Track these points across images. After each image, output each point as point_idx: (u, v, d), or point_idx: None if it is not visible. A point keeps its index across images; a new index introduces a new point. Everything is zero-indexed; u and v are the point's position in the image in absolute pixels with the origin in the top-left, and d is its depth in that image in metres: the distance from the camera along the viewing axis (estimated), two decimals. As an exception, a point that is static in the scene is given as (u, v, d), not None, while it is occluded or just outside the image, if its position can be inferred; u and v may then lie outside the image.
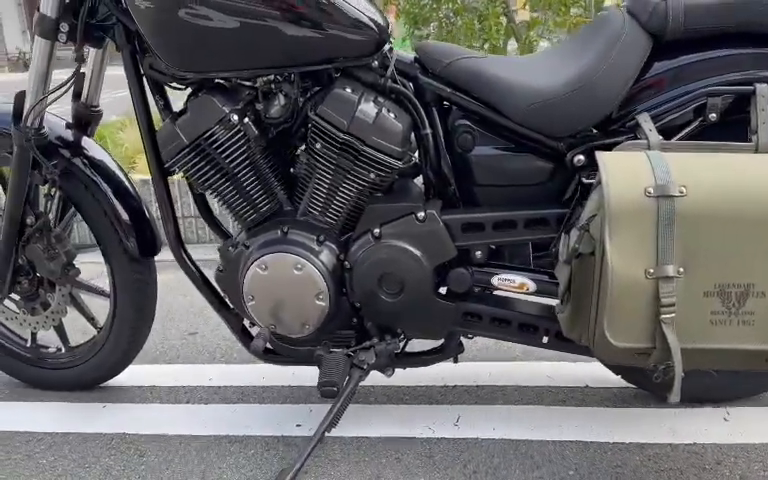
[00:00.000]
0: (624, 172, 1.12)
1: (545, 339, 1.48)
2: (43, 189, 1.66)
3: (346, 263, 1.45)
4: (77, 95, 1.66)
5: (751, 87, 1.23)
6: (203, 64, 1.37)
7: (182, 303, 2.43)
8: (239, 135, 1.40)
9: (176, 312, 2.38)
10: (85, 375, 1.85)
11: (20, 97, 1.54)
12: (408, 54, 1.48)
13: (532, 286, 1.42)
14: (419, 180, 1.50)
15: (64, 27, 1.44)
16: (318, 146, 1.38)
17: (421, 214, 1.39)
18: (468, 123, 1.40)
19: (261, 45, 1.34)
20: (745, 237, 1.08)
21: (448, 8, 4.71)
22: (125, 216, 1.66)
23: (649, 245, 1.09)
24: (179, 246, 1.58)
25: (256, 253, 1.45)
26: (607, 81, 1.27)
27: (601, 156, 1.17)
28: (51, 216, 1.66)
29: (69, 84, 1.55)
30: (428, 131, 1.43)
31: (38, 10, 1.44)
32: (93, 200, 1.65)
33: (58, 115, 1.67)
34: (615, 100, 1.28)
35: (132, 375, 1.90)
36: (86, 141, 1.68)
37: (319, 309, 1.45)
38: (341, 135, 1.35)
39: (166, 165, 1.47)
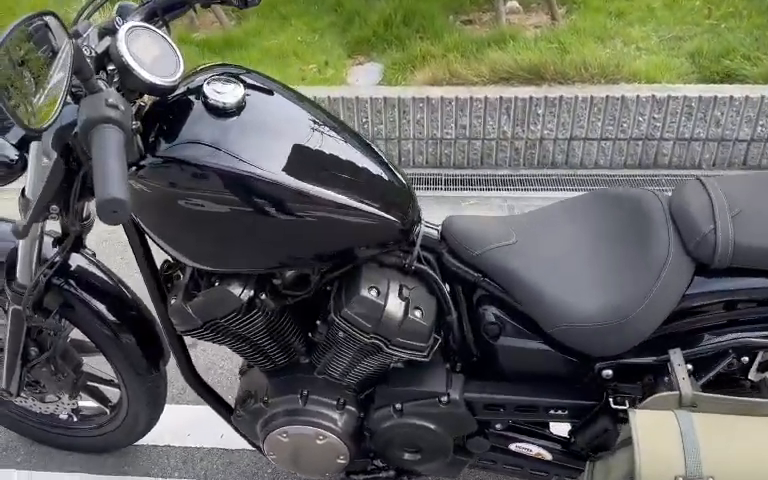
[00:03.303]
0: (655, 453, 1.12)
1: None
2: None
3: (366, 423, 1.47)
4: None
5: None
6: (215, 262, 1.27)
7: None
8: (256, 314, 1.34)
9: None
10: (102, 443, 1.90)
11: (11, 256, 1.42)
12: (433, 228, 1.38)
13: (548, 456, 1.47)
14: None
15: (54, 209, 1.30)
16: (341, 335, 1.34)
17: (444, 398, 1.39)
18: (496, 312, 1.35)
19: (277, 246, 1.25)
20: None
21: None
22: (128, 336, 1.61)
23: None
24: (192, 374, 1.56)
25: (276, 420, 1.45)
26: (648, 315, 1.21)
27: (634, 418, 1.16)
28: (53, 343, 1.60)
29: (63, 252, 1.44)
30: (453, 316, 1.38)
31: (23, 195, 1.29)
32: (94, 322, 1.59)
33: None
34: (654, 329, 1.24)
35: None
36: (75, 259, 1.58)
37: (339, 466, 1.49)
38: (365, 338, 1.31)
39: (178, 332, 1.41)
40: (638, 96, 3.12)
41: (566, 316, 1.25)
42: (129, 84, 1.14)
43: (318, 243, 1.27)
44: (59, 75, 0.96)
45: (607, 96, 3.13)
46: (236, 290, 1.29)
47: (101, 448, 1.92)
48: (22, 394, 1.73)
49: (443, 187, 3.23)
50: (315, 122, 1.29)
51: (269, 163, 1.17)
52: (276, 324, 1.38)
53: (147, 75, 1.12)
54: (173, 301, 1.35)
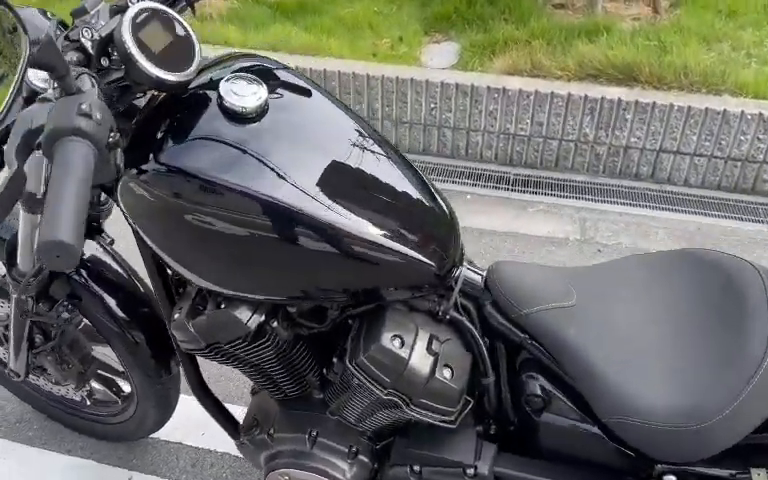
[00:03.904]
0: None
1: None
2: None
3: (379, 479, 1.29)
4: None
5: None
6: (220, 283, 1.10)
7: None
8: (265, 343, 1.17)
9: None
10: (116, 432, 1.81)
11: (13, 240, 1.30)
12: (477, 273, 1.17)
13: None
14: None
15: None
16: (356, 382, 1.15)
17: (471, 470, 1.19)
18: (542, 383, 1.13)
19: (291, 276, 1.07)
20: None
21: None
22: (139, 335, 1.48)
23: None
24: (198, 384, 1.42)
25: (280, 459, 1.29)
26: (732, 423, 0.97)
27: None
28: (58, 333, 1.49)
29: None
30: (491, 379, 1.17)
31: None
32: (103, 316, 1.47)
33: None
34: (737, 440, 1.00)
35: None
36: (89, 247, 1.45)
37: None
38: (383, 393, 1.12)
39: (182, 349, 1.26)
40: (743, 112, 2.75)
41: (626, 407, 1.02)
42: (134, 76, 0.97)
43: (339, 279, 1.08)
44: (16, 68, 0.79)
45: (707, 108, 2.78)
46: (244, 315, 1.13)
47: (111, 436, 1.83)
48: (32, 375, 1.64)
49: (510, 187, 2.97)
50: (349, 136, 1.09)
51: (288, 183, 0.99)
52: (287, 354, 1.22)
53: (153, 68, 0.95)
54: (176, 316, 1.20)
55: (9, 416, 1.90)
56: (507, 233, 2.69)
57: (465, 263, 1.17)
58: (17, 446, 1.83)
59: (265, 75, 1.08)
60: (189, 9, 1.16)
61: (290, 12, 3.76)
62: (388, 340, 1.09)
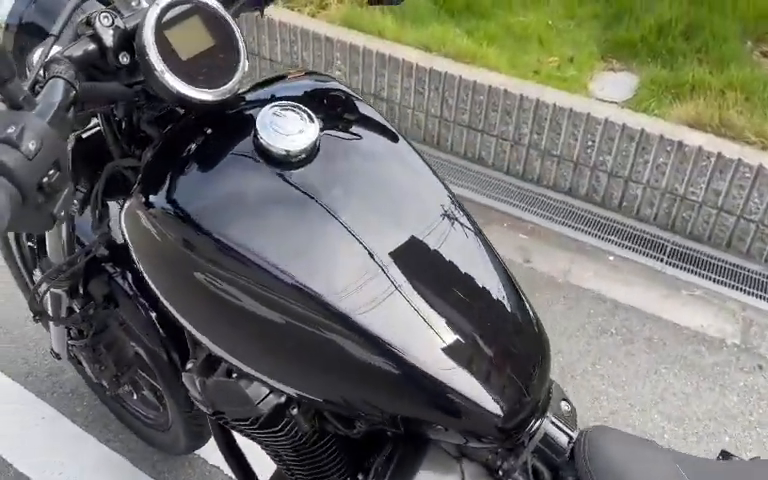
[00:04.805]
0: None
1: None
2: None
3: None
4: None
5: None
6: (230, 352, 0.87)
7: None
8: (281, 431, 0.93)
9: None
10: (155, 439, 1.67)
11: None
12: (564, 432, 0.84)
13: None
14: None
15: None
16: None
17: None
18: None
19: (316, 376, 0.82)
20: None
21: None
22: (176, 356, 1.30)
23: None
24: (226, 445, 1.21)
25: None
26: None
27: None
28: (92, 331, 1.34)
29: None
30: None
31: None
32: (142, 328, 1.29)
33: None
34: None
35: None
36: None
37: None
38: None
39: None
40: None
41: None
42: (153, 87, 0.76)
43: (372, 395, 0.82)
44: None
45: None
46: (256, 394, 0.89)
47: (150, 440, 1.69)
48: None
49: (665, 258, 2.50)
50: (421, 209, 0.82)
51: (320, 266, 0.74)
52: (308, 449, 0.96)
53: (174, 80, 0.73)
54: (189, 366, 0.99)
55: (65, 384, 1.83)
56: (649, 315, 2.25)
57: (550, 412, 0.84)
58: (60, 417, 1.75)
59: (324, 105, 0.82)
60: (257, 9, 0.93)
61: (455, 11, 3.47)
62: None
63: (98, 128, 0.95)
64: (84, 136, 0.98)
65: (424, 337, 0.75)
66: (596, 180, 2.70)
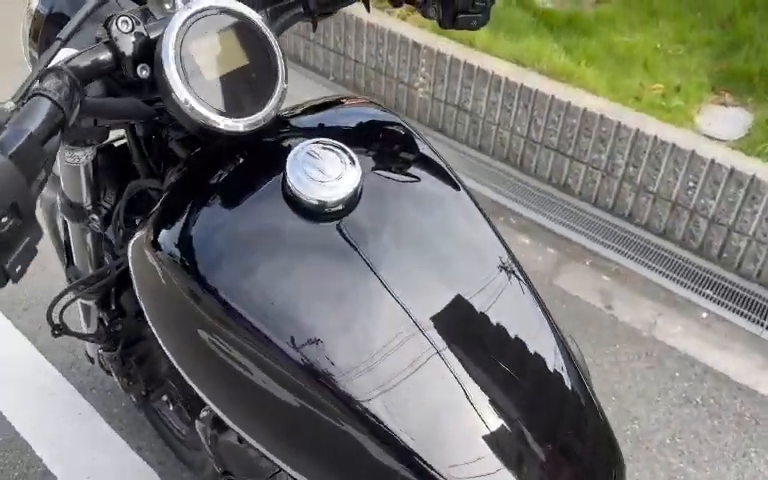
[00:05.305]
0: None
1: None
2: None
3: None
4: None
5: None
6: (233, 419, 0.75)
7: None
8: None
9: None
10: (185, 456, 1.58)
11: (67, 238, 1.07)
12: None
13: None
14: None
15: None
16: None
17: None
18: None
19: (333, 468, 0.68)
20: None
21: None
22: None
23: None
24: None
25: None
26: None
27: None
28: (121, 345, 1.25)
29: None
30: None
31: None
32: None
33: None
34: None
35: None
36: None
37: None
38: None
39: None
40: None
41: None
42: (170, 110, 0.63)
43: None
44: None
45: None
46: (269, 467, 0.76)
47: (181, 456, 1.60)
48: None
49: (766, 323, 2.22)
50: (475, 275, 0.66)
51: (353, 350, 0.61)
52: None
53: (197, 105, 0.61)
54: (203, 415, 0.88)
55: (106, 381, 1.77)
56: (742, 387, 1.99)
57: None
58: (96, 416, 1.70)
59: (376, 142, 0.68)
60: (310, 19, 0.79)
61: (555, 25, 3.25)
62: None
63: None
64: (114, 145, 0.89)
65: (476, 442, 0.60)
66: (695, 225, 2.44)
